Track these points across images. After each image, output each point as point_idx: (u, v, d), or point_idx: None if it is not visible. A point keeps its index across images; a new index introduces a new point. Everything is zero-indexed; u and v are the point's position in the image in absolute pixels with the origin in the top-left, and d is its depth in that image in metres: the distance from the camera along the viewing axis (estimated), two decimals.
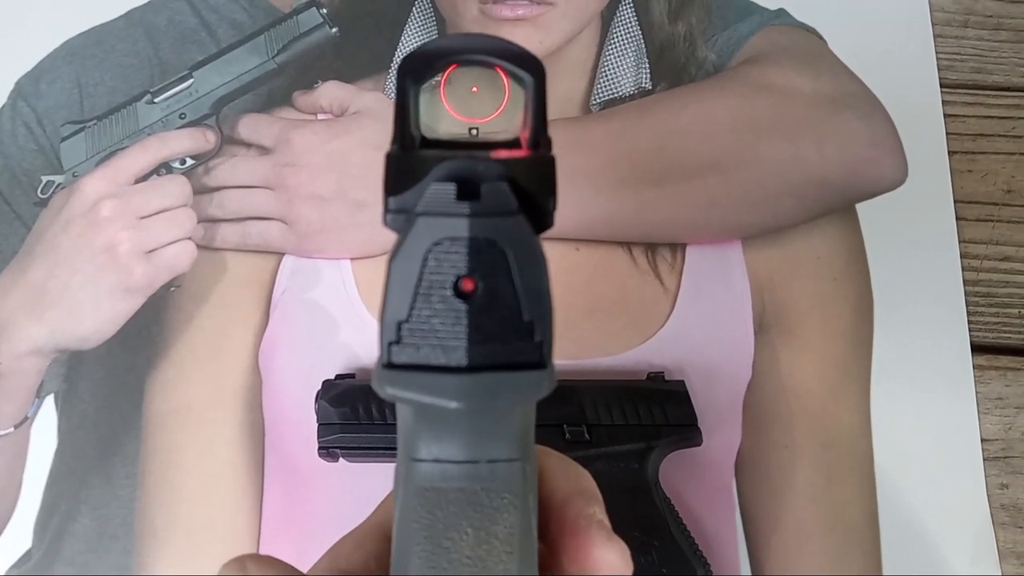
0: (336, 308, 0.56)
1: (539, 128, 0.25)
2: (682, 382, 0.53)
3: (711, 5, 0.63)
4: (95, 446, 0.55)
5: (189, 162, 0.58)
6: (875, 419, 0.55)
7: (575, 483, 0.26)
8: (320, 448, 0.51)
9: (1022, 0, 0.65)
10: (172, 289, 0.57)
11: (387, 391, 0.23)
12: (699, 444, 0.52)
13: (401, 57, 0.60)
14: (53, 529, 0.54)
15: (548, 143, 0.25)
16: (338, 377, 0.53)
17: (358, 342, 0.55)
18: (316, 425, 0.51)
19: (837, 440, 0.55)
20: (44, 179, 0.59)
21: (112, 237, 0.54)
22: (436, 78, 0.25)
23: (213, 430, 0.55)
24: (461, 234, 0.23)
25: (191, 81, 0.59)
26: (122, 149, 0.58)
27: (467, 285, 0.23)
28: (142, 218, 0.55)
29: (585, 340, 0.55)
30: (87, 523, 0.54)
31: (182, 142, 0.58)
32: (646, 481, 0.51)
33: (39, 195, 0.58)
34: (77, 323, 0.54)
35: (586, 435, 0.51)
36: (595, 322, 0.56)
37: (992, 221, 0.60)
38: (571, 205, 0.56)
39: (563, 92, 0.60)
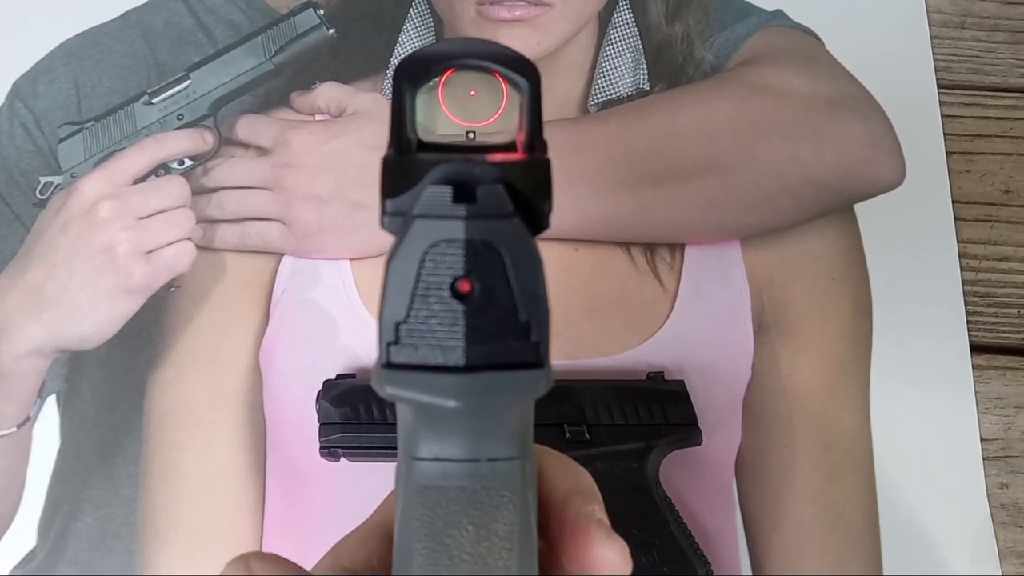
0: (336, 308, 0.56)
1: (534, 131, 0.25)
2: (682, 382, 0.53)
3: (708, 6, 0.63)
4: (97, 446, 0.55)
5: (187, 163, 0.58)
6: (875, 419, 0.55)
7: (574, 482, 0.26)
8: (321, 448, 0.51)
9: (1019, 1, 0.65)
10: (171, 290, 0.57)
11: (387, 391, 0.23)
12: (699, 444, 0.52)
13: (398, 60, 0.60)
14: (57, 528, 0.55)
15: (544, 146, 0.25)
16: (339, 377, 0.53)
17: (358, 342, 0.55)
18: (317, 425, 0.51)
19: (837, 440, 0.55)
20: (42, 180, 0.59)
21: (111, 238, 0.54)
22: (433, 81, 0.26)
23: (213, 430, 0.55)
24: (457, 236, 0.23)
25: (188, 82, 0.59)
26: (120, 150, 0.58)
27: (464, 286, 0.23)
28: (141, 219, 0.55)
29: (584, 340, 0.56)
30: (90, 522, 0.54)
31: (180, 143, 0.58)
32: (646, 480, 0.51)
33: (37, 196, 0.58)
34: (76, 324, 0.54)
35: (586, 435, 0.51)
36: (594, 322, 0.56)
37: (990, 221, 0.60)
38: (569, 206, 0.56)
39: (561, 93, 0.60)
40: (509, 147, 0.25)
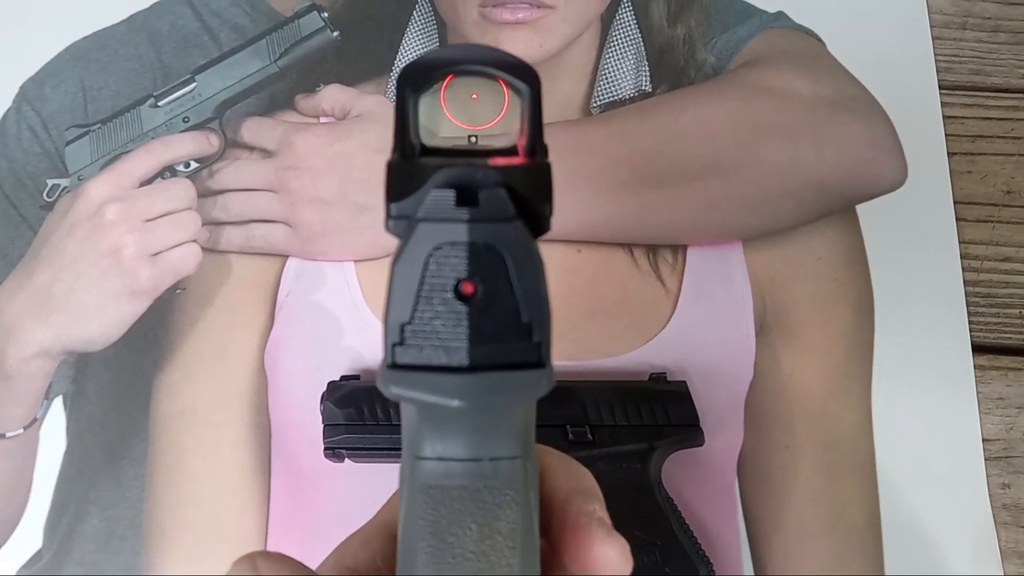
0: (340, 310, 0.57)
1: (535, 136, 0.25)
2: (684, 383, 0.53)
3: (710, 8, 0.63)
4: (103, 447, 0.56)
5: (193, 165, 0.58)
6: (876, 419, 0.56)
7: (576, 481, 0.27)
8: (326, 449, 0.51)
9: (1021, 2, 0.65)
10: (177, 292, 0.57)
11: (391, 391, 0.23)
12: (701, 444, 0.52)
13: (402, 62, 0.61)
14: (63, 529, 0.55)
15: (544, 150, 0.25)
16: (343, 378, 0.54)
17: (362, 344, 0.56)
18: (321, 426, 0.52)
19: (838, 440, 0.55)
20: (49, 183, 0.59)
21: (117, 240, 0.54)
22: (436, 85, 0.26)
23: (219, 432, 0.55)
24: (461, 239, 0.23)
25: (194, 85, 0.59)
26: (126, 152, 0.58)
27: (467, 288, 0.23)
28: (147, 221, 0.55)
29: (587, 341, 0.56)
30: (96, 524, 0.55)
31: (186, 145, 0.58)
32: (649, 481, 0.51)
33: (44, 198, 0.58)
34: (83, 326, 0.54)
35: (589, 435, 0.51)
36: (597, 323, 0.56)
37: (992, 222, 0.60)
38: (572, 207, 0.56)
39: (563, 95, 0.60)
40: (510, 151, 0.26)
